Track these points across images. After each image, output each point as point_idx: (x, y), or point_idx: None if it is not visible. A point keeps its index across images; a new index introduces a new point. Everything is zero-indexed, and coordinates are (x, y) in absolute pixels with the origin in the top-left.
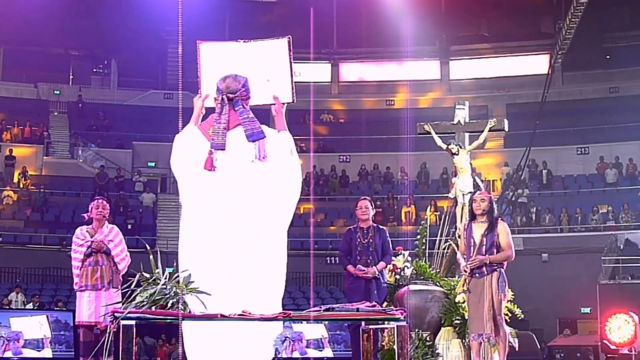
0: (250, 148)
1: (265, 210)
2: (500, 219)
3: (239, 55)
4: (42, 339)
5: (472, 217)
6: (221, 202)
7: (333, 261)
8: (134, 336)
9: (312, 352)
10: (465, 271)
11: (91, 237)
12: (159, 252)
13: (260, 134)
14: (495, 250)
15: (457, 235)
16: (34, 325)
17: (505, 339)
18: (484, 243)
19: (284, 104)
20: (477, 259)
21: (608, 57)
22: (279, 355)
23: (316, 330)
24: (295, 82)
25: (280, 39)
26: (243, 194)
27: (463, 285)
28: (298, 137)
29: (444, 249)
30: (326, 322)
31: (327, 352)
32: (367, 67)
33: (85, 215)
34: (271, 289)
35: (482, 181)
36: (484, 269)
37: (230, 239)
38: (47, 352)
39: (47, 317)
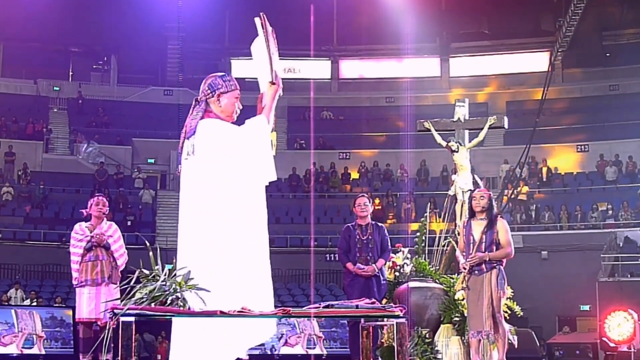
0: (188, 146)
1: (220, 205)
2: (499, 216)
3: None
4: (10, 335)
5: (472, 214)
6: (184, 204)
7: (332, 258)
8: (134, 333)
9: (285, 350)
10: (465, 268)
11: (90, 233)
12: (158, 249)
13: (193, 130)
14: (494, 248)
15: (456, 233)
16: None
17: (505, 336)
18: (484, 240)
19: (271, 84)
20: (477, 256)
21: (608, 54)
22: (276, 352)
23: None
24: (294, 79)
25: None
26: (190, 193)
27: (462, 283)
28: (298, 134)
29: (444, 246)
30: (322, 319)
31: (298, 348)
32: (367, 64)
33: (83, 211)
34: (260, 285)
35: (481, 179)
36: (483, 266)
37: (204, 238)
38: (12, 349)
39: (15, 311)
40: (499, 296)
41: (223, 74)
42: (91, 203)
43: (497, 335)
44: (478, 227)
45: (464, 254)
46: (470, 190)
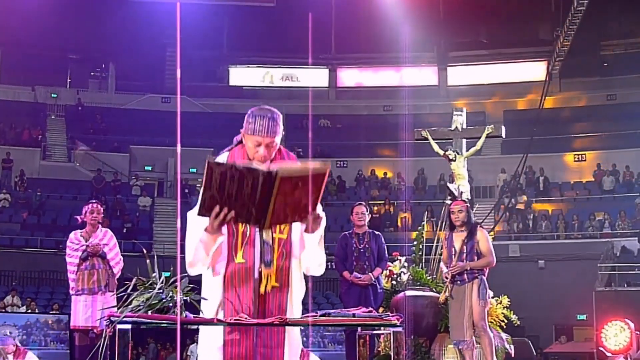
0: None
1: None
2: (479, 226)
3: None
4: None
5: (452, 227)
6: None
7: (329, 266)
8: (130, 340)
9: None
10: (447, 278)
11: (85, 241)
12: (155, 256)
13: None
14: (475, 257)
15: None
16: None
17: (491, 345)
18: (464, 250)
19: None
20: (458, 265)
21: (606, 64)
22: None
23: None
24: (292, 87)
25: None
26: None
27: (445, 292)
28: (295, 142)
29: (441, 254)
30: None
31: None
32: (365, 72)
33: (78, 217)
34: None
35: (455, 189)
36: (465, 276)
37: None
38: None
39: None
40: (481, 306)
41: (252, 110)
42: (85, 210)
43: (484, 344)
44: (459, 238)
45: (447, 265)
46: (449, 200)
